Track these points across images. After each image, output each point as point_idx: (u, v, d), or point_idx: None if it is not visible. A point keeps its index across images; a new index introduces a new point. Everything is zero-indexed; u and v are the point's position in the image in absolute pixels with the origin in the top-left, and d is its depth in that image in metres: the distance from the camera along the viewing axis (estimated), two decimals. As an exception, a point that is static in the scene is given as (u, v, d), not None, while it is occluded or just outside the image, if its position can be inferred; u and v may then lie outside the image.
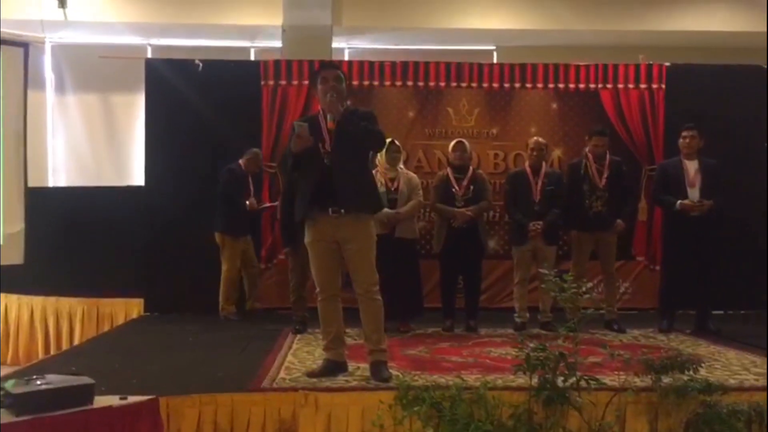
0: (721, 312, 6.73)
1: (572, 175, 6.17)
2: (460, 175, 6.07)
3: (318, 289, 4.36)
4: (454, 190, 6.03)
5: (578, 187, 6.06)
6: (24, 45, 7.90)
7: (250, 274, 6.88)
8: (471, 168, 6.18)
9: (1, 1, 7.43)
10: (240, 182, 6.73)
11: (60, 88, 9.36)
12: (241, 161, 6.75)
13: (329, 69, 4.35)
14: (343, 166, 4.14)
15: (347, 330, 5.97)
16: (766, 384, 4.10)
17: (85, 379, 3.34)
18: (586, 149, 6.16)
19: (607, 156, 6.10)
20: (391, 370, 4.31)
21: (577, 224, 6.10)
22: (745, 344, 5.40)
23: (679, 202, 5.86)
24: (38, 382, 3.28)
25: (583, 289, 3.62)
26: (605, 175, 6.02)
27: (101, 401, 3.31)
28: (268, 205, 6.77)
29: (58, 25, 8.65)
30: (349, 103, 4.43)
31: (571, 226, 6.19)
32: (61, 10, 8.36)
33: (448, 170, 6.15)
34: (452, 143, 6.17)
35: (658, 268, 7.09)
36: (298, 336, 5.80)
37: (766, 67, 7.39)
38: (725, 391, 3.75)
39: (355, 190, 4.16)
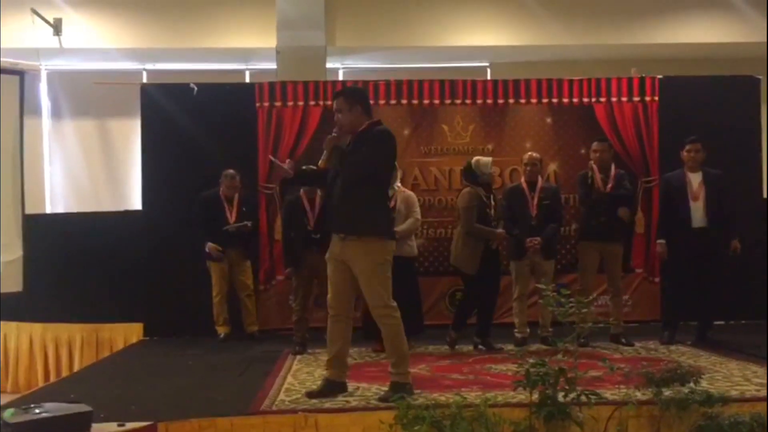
0: (723, 322, 6.74)
1: (583, 184, 6.15)
2: (488, 194, 5.98)
3: (329, 305, 4.40)
4: (488, 210, 5.93)
5: (588, 197, 6.09)
6: (20, 73, 7.93)
7: (243, 299, 6.82)
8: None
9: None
10: (212, 206, 6.71)
11: (56, 114, 9.40)
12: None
13: (334, 99, 4.38)
14: (344, 191, 4.19)
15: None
16: (767, 394, 4.08)
17: (83, 407, 3.33)
18: (591, 161, 6.18)
19: (613, 168, 6.12)
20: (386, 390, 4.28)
21: (584, 235, 6.14)
22: (746, 354, 5.38)
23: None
24: (36, 411, 3.27)
25: (584, 302, 3.63)
26: (610, 185, 6.04)
27: (99, 429, 3.30)
28: (239, 224, 6.69)
29: (53, 52, 8.71)
30: (366, 125, 4.31)
31: (579, 238, 6.21)
32: (56, 37, 8.43)
33: (479, 190, 5.92)
34: (489, 161, 6.00)
35: (657, 280, 7.09)
36: (299, 357, 5.78)
37: (758, 77, 7.43)
38: (726, 402, 3.74)
39: (351, 215, 4.19)
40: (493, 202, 5.98)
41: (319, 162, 4.30)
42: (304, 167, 4.76)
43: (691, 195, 5.95)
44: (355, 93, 4.51)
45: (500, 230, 5.90)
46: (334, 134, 4.25)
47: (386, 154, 4.29)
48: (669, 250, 6.19)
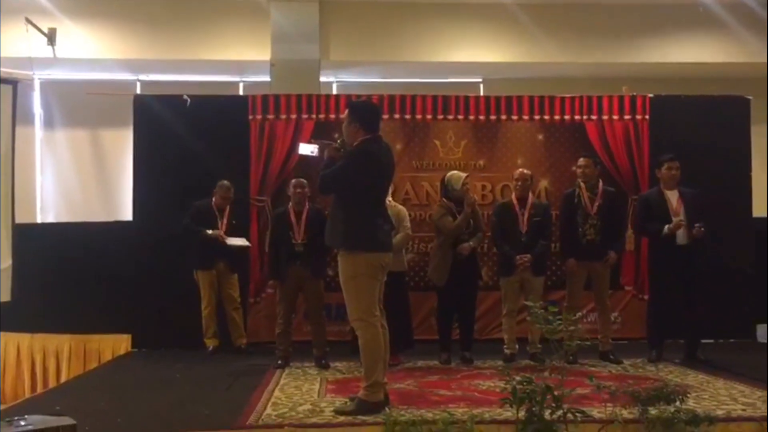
0: (711, 341, 6.76)
1: (566, 204, 6.19)
2: (459, 207, 6.04)
3: None
4: None
5: (572, 216, 6.09)
6: (13, 82, 7.91)
7: (230, 312, 6.78)
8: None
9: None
10: (204, 216, 6.71)
11: (49, 124, 9.41)
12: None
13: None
14: (331, 206, 4.43)
15: (336, 363, 6.03)
16: (757, 414, 4.09)
17: (67, 420, 3.31)
18: (578, 179, 6.19)
19: (600, 185, 6.14)
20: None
21: (571, 253, 6.10)
22: (734, 374, 5.39)
23: (666, 226, 5.91)
24: (21, 423, 3.25)
25: (572, 320, 3.63)
26: (597, 203, 6.05)
27: (83, 442, 3.28)
28: (239, 244, 6.72)
29: (47, 62, 8.72)
30: (338, 139, 4.50)
31: (566, 256, 6.18)
32: (50, 47, 8.44)
33: (450, 204, 6.07)
34: (462, 177, 6.09)
35: (646, 297, 7.09)
36: (286, 371, 5.76)
37: (748, 97, 7.49)
38: (712, 421, 3.73)
39: (331, 229, 4.37)
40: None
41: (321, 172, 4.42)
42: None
43: (672, 211, 5.99)
44: (357, 108, 4.55)
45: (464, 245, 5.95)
46: (335, 144, 4.39)
47: (363, 174, 4.26)
48: (651, 267, 6.25)
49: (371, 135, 4.35)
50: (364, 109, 4.60)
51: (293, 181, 6.24)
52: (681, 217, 5.91)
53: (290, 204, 6.16)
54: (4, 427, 3.17)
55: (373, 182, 4.36)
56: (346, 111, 4.45)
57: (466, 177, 6.15)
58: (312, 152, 4.49)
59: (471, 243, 6.01)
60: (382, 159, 4.41)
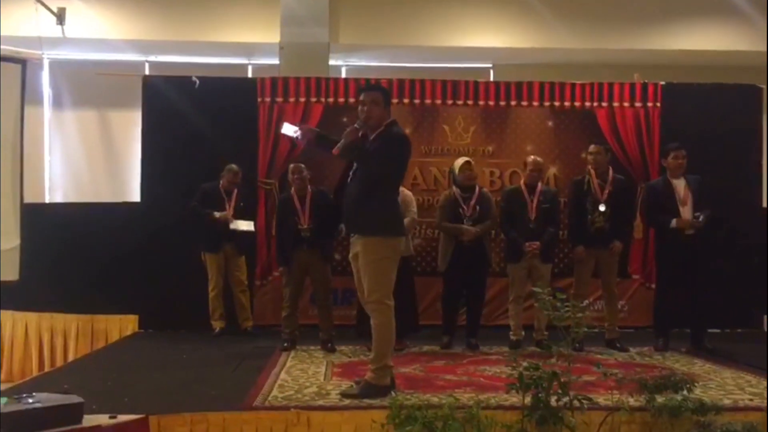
0: (718, 330, 6.74)
1: (575, 191, 6.16)
2: (467, 194, 6.05)
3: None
4: (461, 210, 6.02)
5: (581, 203, 6.07)
6: (22, 61, 7.90)
7: (237, 294, 6.80)
8: (477, 187, 6.17)
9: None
10: (212, 198, 6.70)
11: (57, 104, 9.40)
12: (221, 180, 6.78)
13: (367, 91, 4.37)
14: (359, 191, 4.26)
15: (342, 347, 6.04)
16: (764, 404, 4.08)
17: (74, 398, 3.32)
18: (589, 167, 6.16)
19: (610, 173, 6.11)
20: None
21: (579, 241, 6.08)
22: (741, 363, 5.37)
23: (674, 219, 5.88)
24: (29, 401, 3.26)
25: (579, 307, 3.62)
26: (607, 191, 6.02)
27: (90, 420, 3.28)
28: (243, 229, 6.72)
29: (56, 41, 8.71)
30: (385, 125, 4.30)
31: (574, 243, 6.16)
32: (59, 26, 8.43)
33: (455, 190, 6.12)
34: (460, 163, 6.10)
35: (654, 286, 7.07)
36: (292, 353, 5.78)
37: (760, 86, 7.43)
38: (719, 411, 3.73)
39: (363, 215, 4.26)
40: (471, 202, 6.01)
41: (334, 149, 4.25)
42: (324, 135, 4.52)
43: (679, 200, 5.95)
44: (386, 90, 4.58)
45: (467, 227, 5.94)
46: (356, 126, 4.27)
47: (403, 157, 4.35)
48: (658, 257, 6.23)
49: (392, 118, 4.39)
50: (389, 91, 4.70)
51: (291, 166, 6.20)
52: (690, 218, 5.85)
53: (292, 189, 6.14)
54: (13, 404, 3.18)
55: (405, 166, 4.46)
56: (377, 93, 4.32)
57: (464, 163, 6.11)
58: (295, 133, 4.37)
59: (473, 228, 5.97)
60: None
